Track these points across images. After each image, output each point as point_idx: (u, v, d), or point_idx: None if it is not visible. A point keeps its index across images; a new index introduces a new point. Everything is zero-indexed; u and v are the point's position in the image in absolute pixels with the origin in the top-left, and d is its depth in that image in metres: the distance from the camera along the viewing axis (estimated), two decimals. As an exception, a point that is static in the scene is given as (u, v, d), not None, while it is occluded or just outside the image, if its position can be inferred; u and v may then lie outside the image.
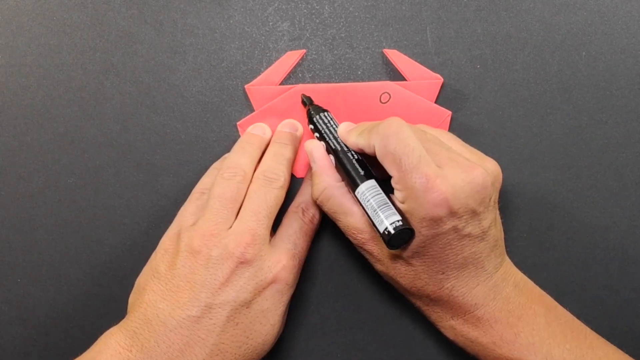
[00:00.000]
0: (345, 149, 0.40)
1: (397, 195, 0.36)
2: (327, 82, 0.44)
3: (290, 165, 0.42)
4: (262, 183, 0.40)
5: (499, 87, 0.45)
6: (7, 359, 0.45)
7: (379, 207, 0.36)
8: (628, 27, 0.45)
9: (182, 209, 0.41)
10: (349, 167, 0.39)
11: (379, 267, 0.40)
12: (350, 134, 0.39)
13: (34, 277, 0.45)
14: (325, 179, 0.39)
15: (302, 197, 0.43)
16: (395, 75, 0.44)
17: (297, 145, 0.44)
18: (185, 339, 0.36)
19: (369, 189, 0.37)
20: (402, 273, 0.38)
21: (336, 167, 0.40)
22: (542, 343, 0.37)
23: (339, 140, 0.40)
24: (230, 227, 0.38)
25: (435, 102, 0.44)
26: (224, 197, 0.39)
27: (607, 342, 0.39)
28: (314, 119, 0.42)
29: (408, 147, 0.35)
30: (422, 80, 0.44)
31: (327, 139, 0.40)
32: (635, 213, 0.45)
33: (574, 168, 0.45)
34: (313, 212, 0.42)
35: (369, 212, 0.36)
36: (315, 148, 0.41)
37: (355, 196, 0.37)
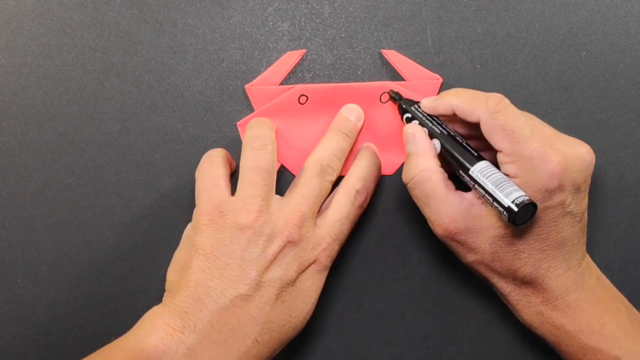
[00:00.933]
0: (452, 133, 0.39)
1: (509, 169, 0.36)
2: (327, 82, 0.44)
3: (345, 159, 0.42)
4: (318, 172, 0.40)
5: (499, 87, 0.45)
6: (7, 359, 0.45)
7: (500, 183, 0.35)
8: (628, 27, 0.45)
9: (200, 183, 0.39)
10: (459, 149, 0.38)
11: (470, 257, 0.39)
12: (441, 97, 0.39)
13: (34, 277, 0.45)
14: (426, 161, 0.38)
15: (357, 176, 0.41)
16: (395, 75, 0.44)
17: (355, 138, 0.43)
18: (237, 317, 0.36)
19: (487, 166, 0.36)
20: (501, 256, 0.37)
21: (440, 153, 0.39)
22: (626, 338, 0.37)
23: (444, 125, 0.40)
24: (275, 200, 0.38)
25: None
26: (262, 169, 0.38)
27: None
28: (412, 107, 0.41)
29: (519, 120, 0.36)
30: (421, 80, 0.44)
31: (432, 124, 0.40)
32: (636, 213, 0.45)
33: None
34: (366, 196, 0.41)
35: (490, 188, 0.35)
36: (418, 130, 0.40)
37: (469, 176, 0.37)
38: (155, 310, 0.37)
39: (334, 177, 0.40)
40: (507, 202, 0.34)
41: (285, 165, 0.45)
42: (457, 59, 0.44)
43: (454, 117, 0.39)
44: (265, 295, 0.37)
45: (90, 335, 0.45)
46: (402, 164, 0.44)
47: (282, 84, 0.44)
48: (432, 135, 0.39)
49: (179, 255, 0.39)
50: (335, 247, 0.40)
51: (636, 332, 0.38)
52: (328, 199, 0.41)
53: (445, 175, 0.38)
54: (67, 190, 0.44)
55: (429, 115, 0.41)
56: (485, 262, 0.38)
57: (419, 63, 0.44)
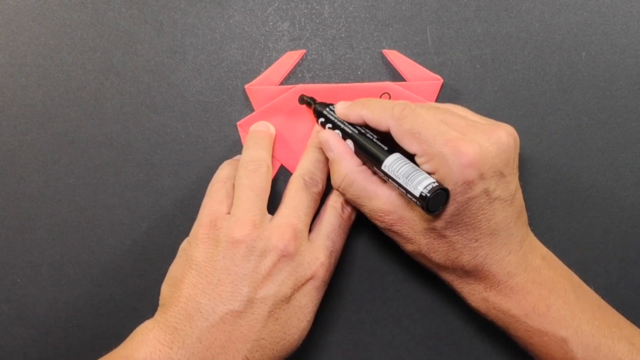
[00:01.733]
0: (363, 130, 0.39)
1: (426, 168, 0.36)
2: (327, 82, 0.44)
3: (327, 172, 0.42)
4: (303, 186, 0.40)
5: (499, 87, 0.45)
6: (7, 359, 0.45)
7: (410, 175, 0.35)
8: (628, 27, 0.45)
9: (208, 198, 0.40)
10: (370, 145, 0.38)
11: (409, 247, 0.39)
12: (352, 107, 0.39)
13: (34, 277, 0.45)
14: (346, 165, 0.39)
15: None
16: (395, 75, 0.44)
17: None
18: (227, 334, 0.35)
19: (396, 160, 0.37)
20: (436, 247, 0.38)
21: (356, 152, 0.39)
22: (573, 317, 0.37)
23: (354, 125, 0.40)
24: (268, 219, 0.38)
25: (436, 102, 0.44)
26: (256, 187, 0.39)
27: (632, 324, 0.39)
28: (324, 111, 0.41)
29: (425, 122, 0.36)
30: (422, 80, 0.44)
31: (343, 125, 0.40)
32: (635, 213, 0.45)
33: (574, 168, 0.45)
34: (351, 209, 0.42)
35: (401, 180, 0.36)
36: (331, 136, 0.40)
37: (382, 171, 0.37)
38: (146, 325, 0.37)
39: (319, 188, 0.41)
40: (416, 191, 0.34)
41: (285, 166, 0.45)
42: (457, 59, 0.44)
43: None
44: (257, 312, 0.36)
45: (89, 335, 0.45)
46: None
47: (282, 84, 0.44)
48: (344, 137, 0.40)
49: (173, 269, 0.39)
50: (333, 260, 0.40)
51: (582, 310, 0.37)
52: (317, 217, 0.41)
53: (369, 171, 0.39)
54: (66, 191, 0.44)
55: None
56: (422, 252, 0.38)
57: (419, 63, 0.44)
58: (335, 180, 0.39)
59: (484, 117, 0.40)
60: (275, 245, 0.37)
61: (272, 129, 0.44)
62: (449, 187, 0.35)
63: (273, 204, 0.40)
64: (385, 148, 0.38)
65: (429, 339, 0.46)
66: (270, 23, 0.44)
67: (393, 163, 0.36)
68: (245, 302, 0.36)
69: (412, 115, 0.36)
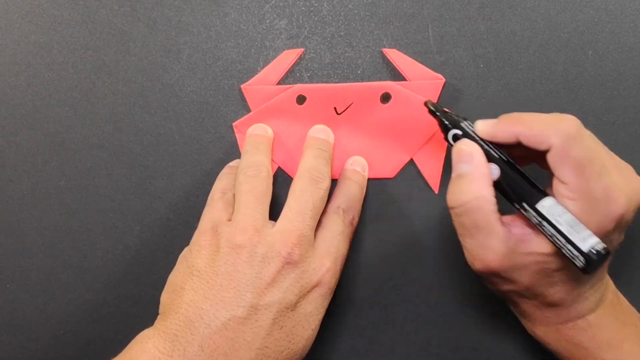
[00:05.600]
0: (511, 159, 0.36)
1: (568, 204, 0.33)
2: (326, 81, 0.44)
3: (331, 168, 0.41)
4: (309, 182, 0.39)
5: (503, 87, 0.44)
6: (-4, 366, 0.45)
7: (573, 226, 0.32)
8: (636, 25, 0.44)
9: (208, 207, 0.39)
10: (521, 178, 0.35)
11: (504, 288, 0.37)
12: (503, 124, 0.36)
13: (24, 283, 0.44)
14: (482, 188, 0.35)
15: (341, 197, 0.41)
16: (396, 74, 0.44)
17: (330, 151, 0.43)
18: (230, 342, 0.35)
19: (554, 204, 0.33)
20: (535, 285, 0.36)
21: (498, 180, 0.36)
22: None
23: (500, 149, 0.36)
24: (271, 225, 0.37)
25: (437, 103, 0.43)
26: (257, 192, 0.38)
27: None
28: (462, 124, 0.38)
29: (594, 154, 0.33)
30: (423, 80, 0.43)
31: (488, 146, 0.36)
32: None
33: None
34: (353, 214, 0.41)
35: (563, 229, 0.32)
36: (477, 151, 0.36)
37: (535, 210, 0.34)
38: (145, 334, 0.36)
39: (326, 183, 0.39)
40: (584, 247, 0.32)
41: (282, 168, 0.44)
42: (459, 58, 0.44)
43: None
44: (261, 319, 0.35)
45: (81, 342, 0.45)
46: (404, 167, 0.44)
47: (279, 83, 0.44)
48: (489, 159, 0.36)
49: (173, 277, 0.38)
50: (338, 266, 0.39)
51: None
52: (319, 223, 0.40)
53: (497, 206, 0.35)
54: (57, 193, 0.44)
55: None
56: (518, 291, 0.37)
57: (420, 62, 0.44)
58: (460, 197, 0.35)
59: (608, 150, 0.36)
60: (279, 251, 0.36)
61: (270, 132, 0.43)
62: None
63: (271, 209, 0.39)
64: (540, 187, 0.35)
65: (430, 346, 0.46)
66: (267, 21, 0.44)
67: (553, 206, 0.33)
68: (249, 308, 0.35)
69: (583, 140, 0.33)
